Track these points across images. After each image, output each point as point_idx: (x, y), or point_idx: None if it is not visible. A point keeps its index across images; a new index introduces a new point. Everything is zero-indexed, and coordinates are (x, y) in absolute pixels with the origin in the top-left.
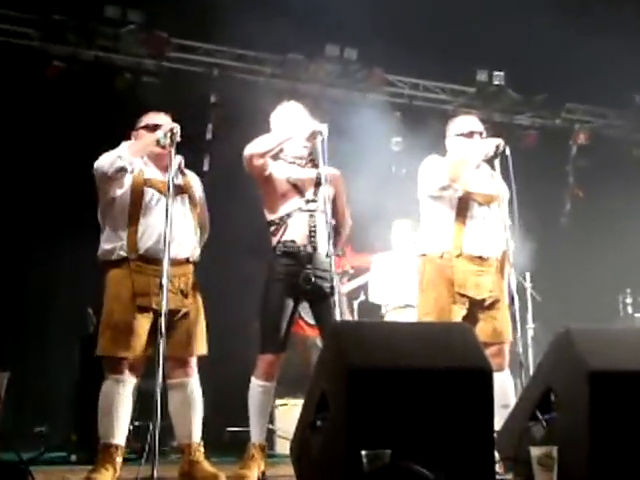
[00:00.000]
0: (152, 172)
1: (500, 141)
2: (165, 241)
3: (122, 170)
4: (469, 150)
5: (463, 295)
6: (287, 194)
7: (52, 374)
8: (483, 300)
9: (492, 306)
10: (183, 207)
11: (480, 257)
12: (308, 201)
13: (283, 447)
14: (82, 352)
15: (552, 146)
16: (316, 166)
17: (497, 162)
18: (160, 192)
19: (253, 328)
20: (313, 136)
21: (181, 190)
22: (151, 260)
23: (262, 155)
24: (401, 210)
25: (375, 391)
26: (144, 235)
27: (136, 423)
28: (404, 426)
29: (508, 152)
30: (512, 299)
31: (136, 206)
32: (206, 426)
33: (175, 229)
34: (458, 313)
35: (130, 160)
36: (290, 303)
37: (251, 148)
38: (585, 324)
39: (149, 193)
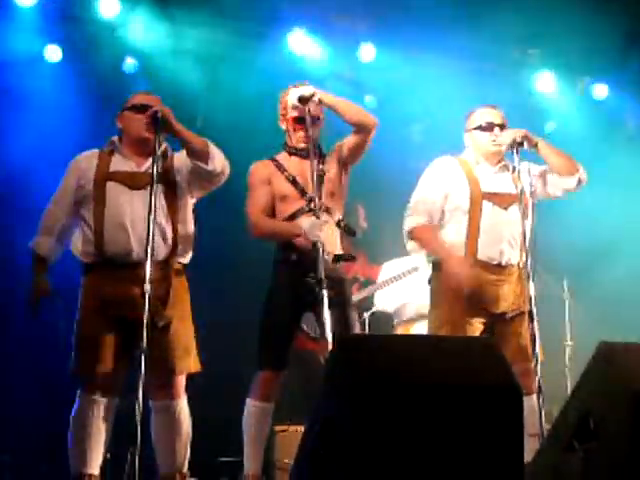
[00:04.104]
0: (122, 163)
1: (516, 134)
2: (148, 240)
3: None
4: (482, 143)
5: (480, 308)
6: (287, 195)
7: (18, 394)
8: (503, 313)
9: (514, 320)
10: (156, 199)
11: (499, 265)
12: (311, 199)
13: None
14: (55, 369)
15: (596, 136)
16: (321, 155)
17: (516, 157)
18: (126, 185)
19: (251, 342)
20: (302, 102)
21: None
22: (120, 264)
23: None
24: None
25: (387, 414)
26: (110, 236)
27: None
28: (418, 455)
29: (527, 146)
30: (530, 314)
31: (99, 205)
32: (195, 454)
33: (145, 227)
34: (475, 328)
35: (43, 243)
36: (293, 315)
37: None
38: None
39: (112, 188)
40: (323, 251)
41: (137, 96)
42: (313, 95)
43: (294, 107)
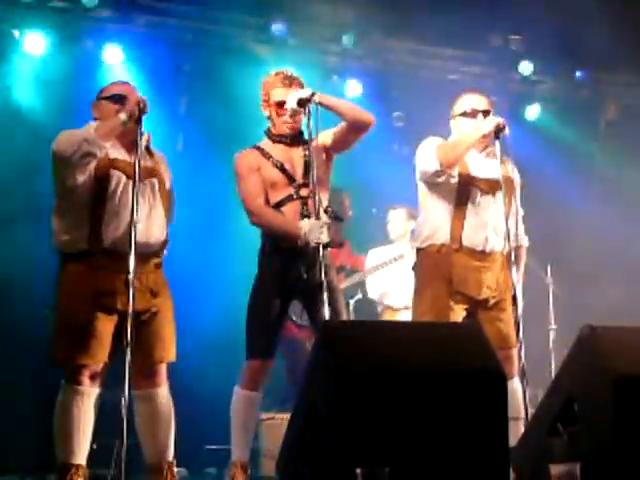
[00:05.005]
0: (117, 152)
1: (500, 119)
2: (132, 231)
3: (89, 156)
4: (467, 130)
5: (463, 294)
6: (276, 181)
7: (1, 385)
8: (485, 300)
9: (496, 307)
10: (152, 193)
11: (482, 252)
12: (300, 186)
13: (270, 468)
14: (38, 360)
15: (577, 121)
16: (305, 142)
17: (498, 144)
18: (127, 176)
19: (237, 330)
20: (301, 105)
21: (150, 173)
22: (118, 254)
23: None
24: (399, 196)
25: (372, 399)
26: (110, 226)
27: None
28: (404, 440)
29: (508, 132)
30: (514, 299)
31: (101, 192)
32: (182, 443)
33: (145, 219)
34: (458, 314)
35: (100, 144)
36: (280, 304)
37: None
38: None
39: (115, 177)
40: (323, 254)
41: (113, 86)
42: (313, 95)
43: (294, 111)
